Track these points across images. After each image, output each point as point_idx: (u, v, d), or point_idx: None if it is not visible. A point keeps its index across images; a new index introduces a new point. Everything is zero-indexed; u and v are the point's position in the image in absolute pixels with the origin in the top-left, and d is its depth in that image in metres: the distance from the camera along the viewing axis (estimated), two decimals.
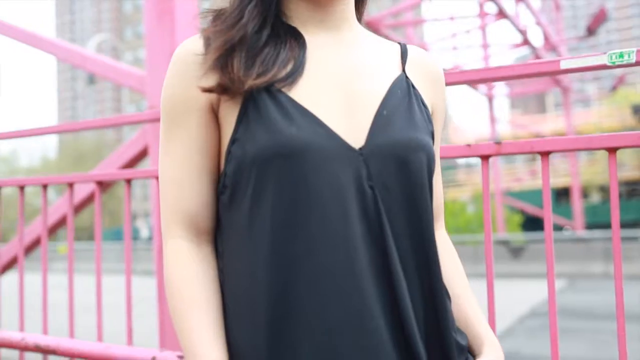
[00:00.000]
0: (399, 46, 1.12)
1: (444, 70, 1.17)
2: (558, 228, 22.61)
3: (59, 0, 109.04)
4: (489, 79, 1.72)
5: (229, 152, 0.96)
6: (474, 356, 1.04)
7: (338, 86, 0.98)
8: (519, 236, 18.37)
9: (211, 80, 0.95)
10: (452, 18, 14.97)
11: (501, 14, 12.99)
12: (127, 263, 2.21)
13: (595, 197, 32.56)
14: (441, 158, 1.75)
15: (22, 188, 2.56)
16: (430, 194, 1.00)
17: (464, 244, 18.67)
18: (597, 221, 24.51)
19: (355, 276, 0.89)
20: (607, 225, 20.82)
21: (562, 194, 28.82)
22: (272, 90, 0.94)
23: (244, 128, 0.94)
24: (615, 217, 1.53)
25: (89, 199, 4.50)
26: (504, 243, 17.83)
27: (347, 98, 0.98)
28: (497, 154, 1.67)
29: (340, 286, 0.89)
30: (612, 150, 1.55)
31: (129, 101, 71.33)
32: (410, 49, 1.12)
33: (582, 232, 18.72)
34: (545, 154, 1.63)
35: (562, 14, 17.50)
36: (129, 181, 2.27)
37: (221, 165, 0.99)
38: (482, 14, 14.20)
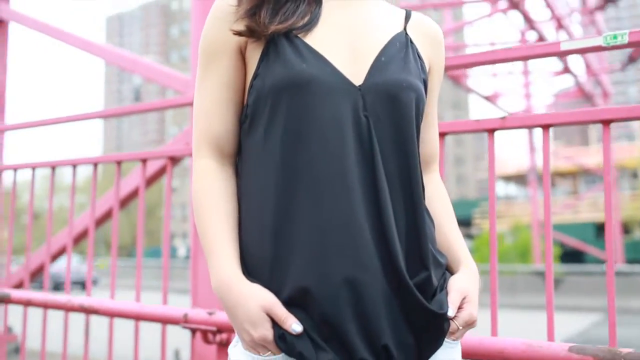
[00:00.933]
0: (404, 11, 1.29)
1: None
2: (599, 262, 22.19)
3: (109, 24, 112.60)
4: (497, 60, 1.86)
5: (251, 86, 1.15)
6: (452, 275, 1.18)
7: (346, 37, 1.16)
8: (556, 267, 18.08)
9: (241, 26, 1.14)
10: (492, 43, 15.09)
11: (541, 40, 13.04)
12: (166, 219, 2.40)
13: (638, 233, 31.85)
14: (450, 133, 1.90)
15: (74, 166, 2.80)
16: (417, 128, 1.16)
17: (501, 274, 18.53)
18: (639, 257, 23.99)
19: (347, 187, 1.05)
20: None
21: (602, 229, 28.26)
22: (290, 36, 1.13)
23: (264, 65, 1.12)
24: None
25: (159, 174, 4.67)
26: (541, 274, 17.59)
27: (352, 47, 1.15)
28: (502, 128, 1.81)
29: (333, 194, 1.05)
30: (605, 123, 1.67)
31: (172, 122, 72.75)
32: (414, 14, 1.29)
33: (622, 266, 18.35)
34: (546, 127, 1.76)
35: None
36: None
37: (245, 99, 1.17)
38: (523, 41, 14.29)
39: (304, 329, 1.03)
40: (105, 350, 2.64)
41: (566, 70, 15.14)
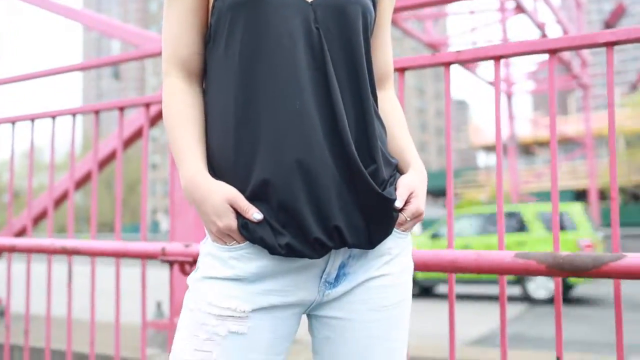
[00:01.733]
0: None
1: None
2: None
3: (86, 0, 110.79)
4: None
5: (213, 6, 1.25)
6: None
7: None
8: None
9: None
10: (472, 12, 15.14)
11: (519, 8, 13.12)
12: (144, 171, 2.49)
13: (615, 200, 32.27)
14: (410, 68, 2.01)
15: (54, 118, 2.87)
16: (365, 39, 1.26)
17: None
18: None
19: (300, 88, 1.16)
20: (626, 226, 20.80)
21: (580, 195, 28.69)
22: None
23: None
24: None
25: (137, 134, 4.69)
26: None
27: None
28: (457, 61, 1.92)
29: (288, 96, 1.16)
30: (552, 52, 1.79)
31: (152, 75, 72.01)
32: None
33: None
34: (497, 59, 1.87)
35: (582, 9, 17.56)
36: (147, 106, 2.58)
37: (209, 21, 1.27)
38: (502, 9, 14.37)
39: (265, 218, 1.15)
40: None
41: (543, 37, 15.24)
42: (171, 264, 2.26)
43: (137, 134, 4.89)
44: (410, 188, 1.25)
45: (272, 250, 1.14)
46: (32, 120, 2.98)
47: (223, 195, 1.16)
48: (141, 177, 2.52)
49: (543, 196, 25.00)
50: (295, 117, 1.15)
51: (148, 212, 60.28)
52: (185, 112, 1.25)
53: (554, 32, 14.30)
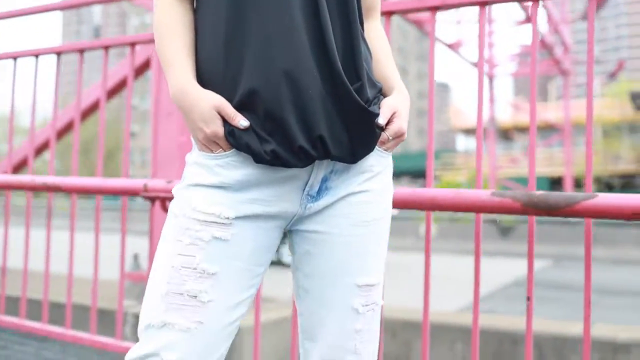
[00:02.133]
0: None
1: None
2: None
3: None
4: None
5: None
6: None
7: None
8: (509, 216, 18.65)
9: None
10: None
11: None
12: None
13: (592, 187, 32.79)
14: (397, 12, 2.03)
15: (37, 57, 2.85)
16: None
17: (457, 221, 19.09)
18: None
19: (289, 5, 1.18)
20: None
21: (556, 183, 29.08)
22: None
23: None
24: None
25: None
26: (494, 222, 18.12)
27: None
28: (443, 6, 1.94)
29: (277, 9, 1.18)
30: (432, 10, 1.82)
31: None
32: None
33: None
34: (482, 5, 1.90)
35: None
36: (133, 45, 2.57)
37: None
38: None
39: (251, 126, 1.17)
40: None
41: (528, 20, 15.35)
42: (153, 200, 2.27)
43: (121, 84, 4.84)
44: (393, 108, 1.28)
45: (258, 157, 1.17)
46: (15, 58, 2.96)
47: (210, 102, 1.18)
48: (121, 144, 2.52)
49: (520, 182, 25.32)
50: (284, 31, 1.17)
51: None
52: (176, 25, 1.26)
53: None
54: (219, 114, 1.18)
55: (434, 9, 1.96)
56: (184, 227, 1.20)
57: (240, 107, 1.18)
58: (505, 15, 16.84)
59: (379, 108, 1.27)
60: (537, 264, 13.61)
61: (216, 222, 1.19)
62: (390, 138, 1.28)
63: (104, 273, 3.99)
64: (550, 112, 30.30)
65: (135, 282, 4.13)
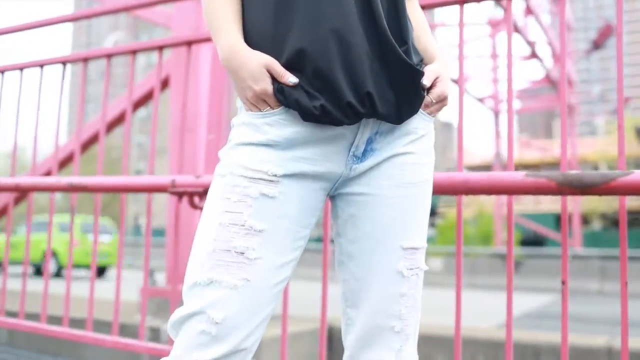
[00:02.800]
0: None
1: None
2: (557, 245, 22.86)
3: (77, 3, 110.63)
4: None
5: None
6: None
7: None
8: (517, 251, 18.57)
9: None
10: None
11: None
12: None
13: (597, 225, 32.74)
14: (422, 8, 2.06)
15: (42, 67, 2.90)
16: None
17: (465, 256, 19.03)
18: (596, 247, 24.73)
19: None
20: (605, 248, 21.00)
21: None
22: None
23: None
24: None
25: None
26: (501, 257, 18.02)
27: None
28: None
29: None
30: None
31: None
32: None
33: (580, 250, 18.92)
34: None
35: (571, 28, 17.92)
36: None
37: None
38: (492, 23, 14.63)
39: (300, 84, 1.19)
40: None
41: (534, 55, 15.54)
42: (180, 196, 2.28)
43: (147, 97, 4.83)
44: (436, 73, 1.30)
45: (306, 113, 1.18)
46: (21, 69, 2.99)
47: (260, 61, 1.20)
48: (120, 154, 2.52)
49: (528, 218, 25.28)
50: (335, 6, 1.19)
51: (130, 217, 59.85)
52: None
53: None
54: (268, 72, 1.20)
55: (462, 2, 2.00)
56: (231, 184, 1.21)
57: (288, 67, 1.20)
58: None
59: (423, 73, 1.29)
60: (546, 297, 13.49)
61: (264, 179, 1.20)
62: (434, 101, 1.30)
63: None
64: (556, 149, 30.42)
65: (152, 297, 4.12)
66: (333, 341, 3.57)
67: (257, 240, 1.19)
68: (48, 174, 4.62)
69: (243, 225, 1.19)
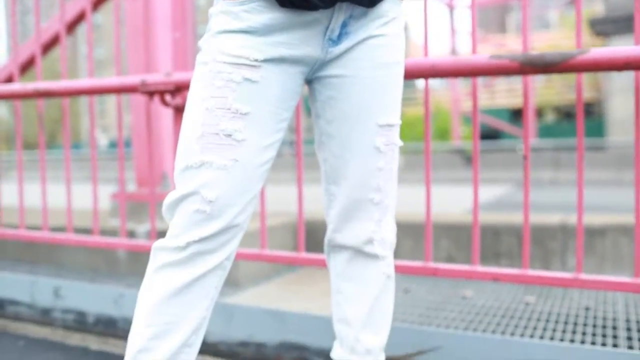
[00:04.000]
0: None
1: None
2: (512, 138, 23.48)
3: None
4: None
5: None
6: None
7: None
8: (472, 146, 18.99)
9: None
10: None
11: None
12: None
13: (550, 117, 33.51)
14: None
15: None
16: None
17: (419, 153, 19.42)
18: (550, 138, 25.42)
19: None
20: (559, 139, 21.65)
21: (517, 114, 29.56)
22: None
23: None
24: None
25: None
26: (459, 152, 18.44)
27: None
28: None
29: None
30: None
31: None
32: None
33: (534, 142, 19.45)
34: None
35: None
36: None
37: None
38: None
39: None
40: None
41: None
42: (151, 95, 2.31)
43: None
44: None
45: None
46: None
47: None
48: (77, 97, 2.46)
49: (485, 113, 25.72)
50: None
51: (85, 131, 58.69)
52: None
53: None
54: None
55: None
56: (215, 71, 1.26)
57: None
58: None
59: None
60: (500, 189, 13.99)
61: (246, 65, 1.25)
62: None
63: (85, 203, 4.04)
64: (511, 44, 30.53)
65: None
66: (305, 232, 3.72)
67: (242, 123, 1.26)
68: (8, 81, 4.50)
69: (229, 109, 1.25)
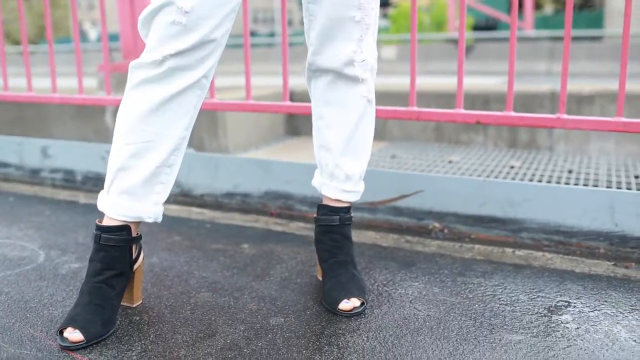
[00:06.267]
0: None
1: None
2: (508, 29, 23.05)
3: None
4: None
5: None
6: None
7: None
8: (470, 35, 18.66)
9: None
10: None
11: None
12: None
13: (548, 9, 32.76)
14: None
15: None
16: None
17: (419, 42, 19.08)
18: (547, 29, 24.92)
19: None
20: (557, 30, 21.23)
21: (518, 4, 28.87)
22: None
23: None
24: None
25: None
26: (454, 42, 18.12)
27: None
28: None
29: None
30: None
31: None
32: None
33: (530, 32, 19.08)
34: None
35: None
36: None
37: None
38: None
39: None
40: None
41: None
42: None
43: None
44: None
45: None
46: None
47: None
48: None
49: (482, 2, 25.06)
50: None
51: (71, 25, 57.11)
52: None
53: None
54: None
55: None
56: None
57: None
58: None
59: None
60: (497, 79, 13.85)
61: None
62: None
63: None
64: None
65: (112, 73, 4.14)
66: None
67: None
68: None
69: None
